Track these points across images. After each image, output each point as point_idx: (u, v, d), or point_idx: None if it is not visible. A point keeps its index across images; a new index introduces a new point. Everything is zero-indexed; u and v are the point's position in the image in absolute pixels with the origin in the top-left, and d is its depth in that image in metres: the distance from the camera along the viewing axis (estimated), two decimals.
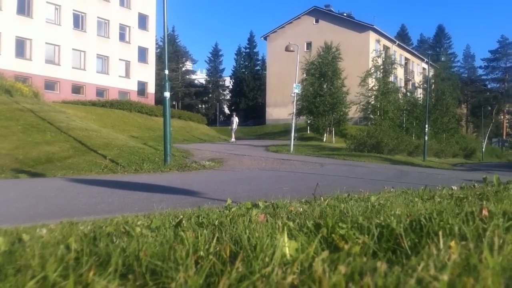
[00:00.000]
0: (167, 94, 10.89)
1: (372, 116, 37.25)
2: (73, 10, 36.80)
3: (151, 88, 43.46)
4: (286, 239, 1.47)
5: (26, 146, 11.29)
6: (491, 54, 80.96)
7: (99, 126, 18.57)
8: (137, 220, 2.64)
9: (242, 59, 73.57)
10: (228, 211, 2.98)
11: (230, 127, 29.47)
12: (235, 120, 28.73)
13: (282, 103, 49.50)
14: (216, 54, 76.95)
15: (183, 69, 72.59)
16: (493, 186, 4.30)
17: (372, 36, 49.74)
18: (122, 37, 40.87)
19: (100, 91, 38.27)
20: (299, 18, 54.77)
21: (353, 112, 37.26)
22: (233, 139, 27.88)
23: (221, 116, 73.67)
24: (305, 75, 35.37)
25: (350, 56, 40.78)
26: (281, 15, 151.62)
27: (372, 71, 37.58)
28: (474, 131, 74.09)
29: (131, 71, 41.36)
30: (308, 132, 38.56)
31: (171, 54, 59.55)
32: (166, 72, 11.25)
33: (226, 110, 78.20)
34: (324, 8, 55.00)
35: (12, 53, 32.77)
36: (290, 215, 2.55)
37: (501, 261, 1.23)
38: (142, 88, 42.56)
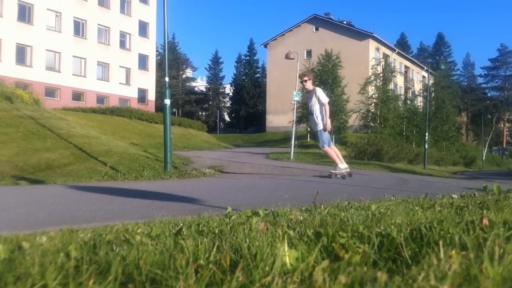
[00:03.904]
0: (167, 101, 10.90)
1: (372, 124, 37.35)
2: (74, 17, 36.99)
3: (151, 95, 43.58)
4: (286, 248, 1.47)
5: (26, 153, 11.28)
6: (490, 62, 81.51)
7: (99, 133, 18.56)
8: (137, 228, 2.63)
9: (242, 66, 73.92)
10: (228, 219, 2.97)
11: (315, 130, 9.53)
12: (324, 110, 8.96)
13: (282, 111, 49.57)
14: (216, 62, 77.33)
15: (183, 76, 72.91)
16: (494, 194, 4.29)
17: (372, 44, 49.97)
18: (122, 44, 41.05)
19: (101, 98, 38.37)
20: (299, 26, 55.09)
21: (353, 120, 37.35)
22: (344, 167, 9.41)
23: (221, 124, 73.83)
24: None
25: (349, 64, 40.94)
26: (281, 23, 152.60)
27: (371, 79, 37.71)
28: (474, 139, 74.15)
29: (131, 78, 41.47)
30: (308, 139, 38.53)
31: (171, 61, 59.78)
32: (167, 79, 11.26)
33: (227, 118, 78.37)
34: (324, 16, 55.35)
35: (12, 60, 32.91)
36: (290, 224, 2.55)
37: (502, 271, 1.23)
38: (142, 95, 42.67)
